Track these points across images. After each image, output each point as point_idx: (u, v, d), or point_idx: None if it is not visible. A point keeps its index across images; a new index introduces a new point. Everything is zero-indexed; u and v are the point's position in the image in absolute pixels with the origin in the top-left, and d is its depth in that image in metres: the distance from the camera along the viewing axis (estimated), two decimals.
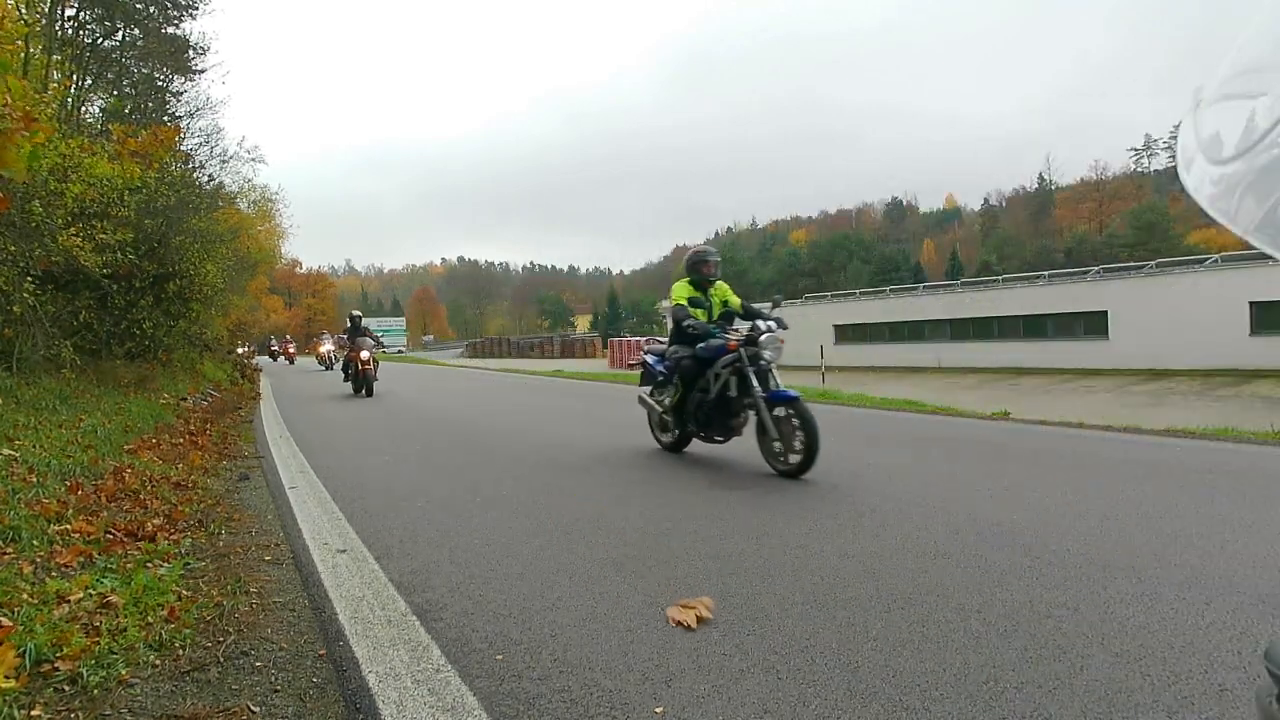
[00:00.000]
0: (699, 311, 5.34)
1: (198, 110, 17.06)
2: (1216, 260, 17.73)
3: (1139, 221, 54.51)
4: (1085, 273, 21.15)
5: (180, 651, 2.18)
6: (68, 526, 3.26)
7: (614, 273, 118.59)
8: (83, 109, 13.17)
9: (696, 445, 6.17)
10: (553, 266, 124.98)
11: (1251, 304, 15.39)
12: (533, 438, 7.00)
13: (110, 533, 3.28)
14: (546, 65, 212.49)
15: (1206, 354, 15.53)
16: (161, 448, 5.90)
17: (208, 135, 17.79)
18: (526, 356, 46.50)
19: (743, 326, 5.18)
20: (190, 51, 15.58)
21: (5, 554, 2.82)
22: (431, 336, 79.81)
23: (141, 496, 4.04)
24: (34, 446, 4.75)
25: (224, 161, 18.63)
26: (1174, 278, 17.86)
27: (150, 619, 2.37)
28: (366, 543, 3.39)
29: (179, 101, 16.75)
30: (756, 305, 5.59)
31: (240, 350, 23.40)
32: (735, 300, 5.58)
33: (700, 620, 2.29)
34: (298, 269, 67.67)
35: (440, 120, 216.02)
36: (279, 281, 57.81)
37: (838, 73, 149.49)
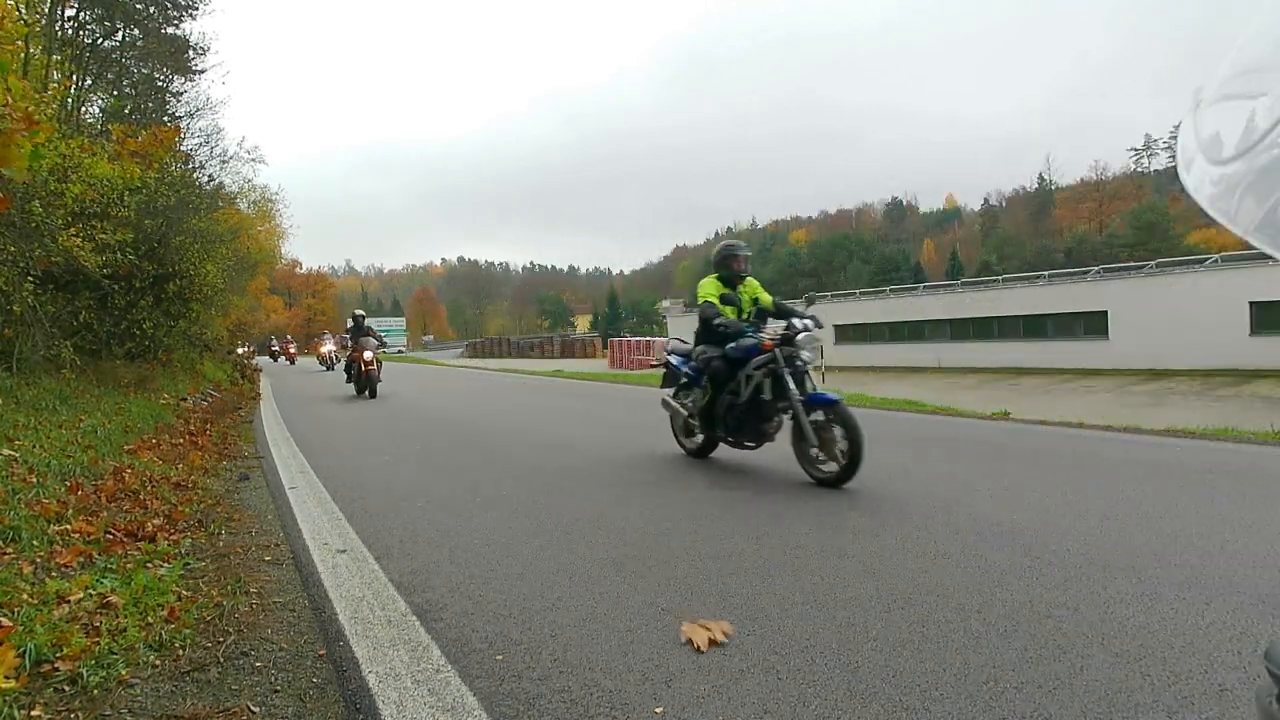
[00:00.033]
0: (729, 309, 5.02)
1: (198, 110, 17.08)
2: (1216, 260, 17.73)
3: (1139, 221, 54.52)
4: (1085, 273, 21.15)
5: (180, 652, 2.18)
6: (68, 527, 3.26)
7: (614, 273, 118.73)
8: (83, 109, 13.18)
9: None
10: (553, 266, 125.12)
11: (1251, 304, 15.40)
12: (533, 438, 7.00)
13: (110, 533, 3.28)
14: (546, 66, 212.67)
15: (1206, 354, 15.53)
16: (161, 448, 5.90)
17: (208, 135, 17.81)
18: (526, 356, 46.50)
19: (776, 325, 4.88)
20: (190, 52, 15.59)
21: (5, 554, 2.82)
22: (431, 336, 79.83)
23: (141, 497, 4.04)
24: (34, 447, 4.75)
25: (224, 162, 18.64)
26: (1174, 278, 17.87)
27: (150, 619, 2.37)
28: (366, 543, 3.39)
29: (179, 102, 16.77)
30: (789, 303, 5.34)
31: (240, 350, 23.39)
32: (767, 297, 5.29)
33: (712, 643, 2.16)
34: (298, 269, 67.68)
35: (440, 120, 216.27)
36: (279, 282, 57.81)
37: (838, 73, 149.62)
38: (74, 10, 12.45)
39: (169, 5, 14.52)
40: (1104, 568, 2.77)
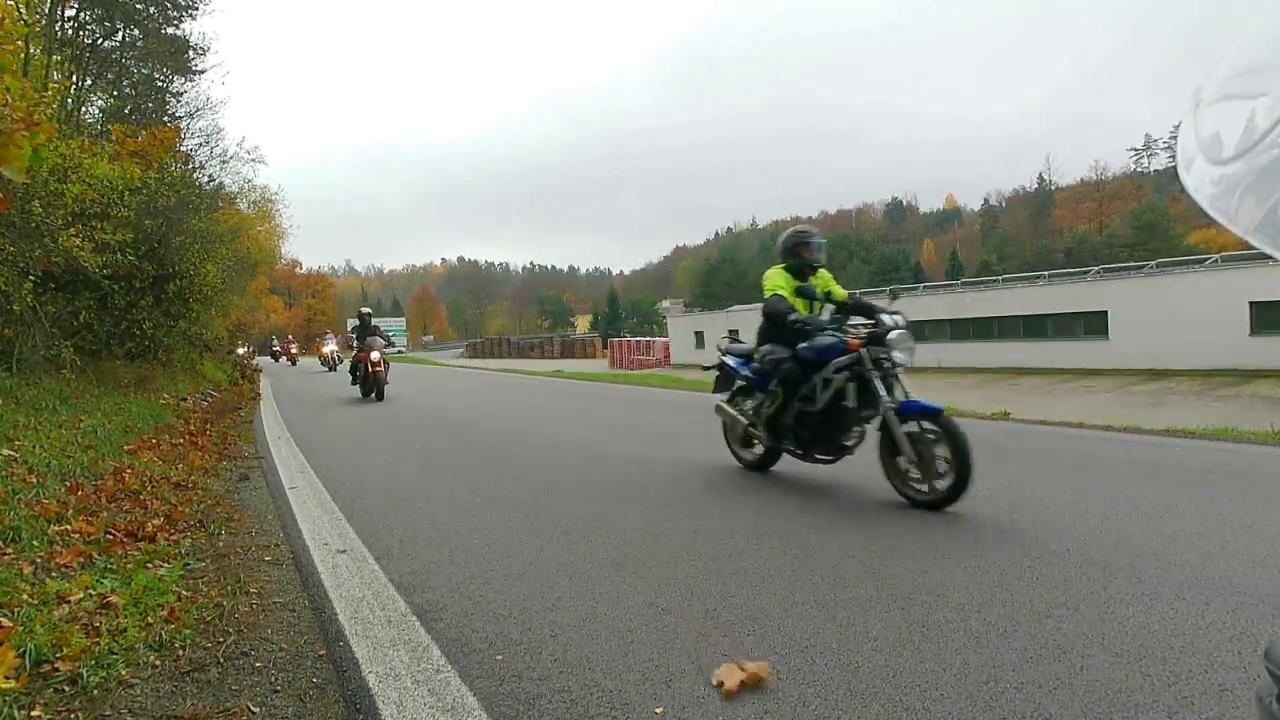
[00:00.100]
0: (800, 303, 4.55)
1: (198, 111, 17.08)
2: (1216, 260, 17.72)
3: (1139, 221, 54.49)
4: (1085, 273, 21.15)
5: (180, 652, 2.18)
6: (68, 527, 3.26)
7: (614, 273, 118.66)
8: (83, 109, 13.19)
9: (697, 444, 6.17)
10: (553, 266, 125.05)
11: (1251, 304, 15.39)
12: (533, 438, 7.00)
13: (110, 533, 3.28)
14: (546, 66, 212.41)
15: (1206, 354, 15.53)
16: (161, 448, 5.90)
17: (208, 136, 17.81)
18: (526, 357, 46.50)
19: (857, 322, 4.30)
20: (190, 52, 15.60)
21: (5, 554, 2.82)
22: (431, 337, 79.84)
23: (141, 497, 4.04)
24: (34, 447, 4.75)
25: (224, 162, 18.64)
26: (1174, 278, 17.86)
27: (150, 619, 2.37)
28: (366, 543, 3.39)
29: (179, 102, 16.77)
30: (868, 298, 4.78)
31: (240, 351, 23.39)
32: (840, 291, 4.69)
33: (743, 686, 1.89)
34: (298, 269, 67.64)
35: (440, 120, 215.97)
36: (279, 282, 57.79)
37: (838, 73, 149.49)
38: (74, 10, 12.47)
39: (169, 5, 14.53)
40: (1104, 568, 2.77)
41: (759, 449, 4.87)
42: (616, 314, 78.26)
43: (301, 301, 70.58)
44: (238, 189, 22.45)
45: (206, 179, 17.59)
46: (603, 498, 4.24)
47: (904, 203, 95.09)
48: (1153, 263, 21.00)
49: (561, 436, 7.14)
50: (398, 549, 3.29)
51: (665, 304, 47.99)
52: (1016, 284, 22.38)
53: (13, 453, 4.38)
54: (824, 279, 4.70)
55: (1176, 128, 0.82)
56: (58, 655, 2.05)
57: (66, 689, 1.93)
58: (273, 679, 2.04)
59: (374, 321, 12.53)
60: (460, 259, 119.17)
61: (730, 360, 5.10)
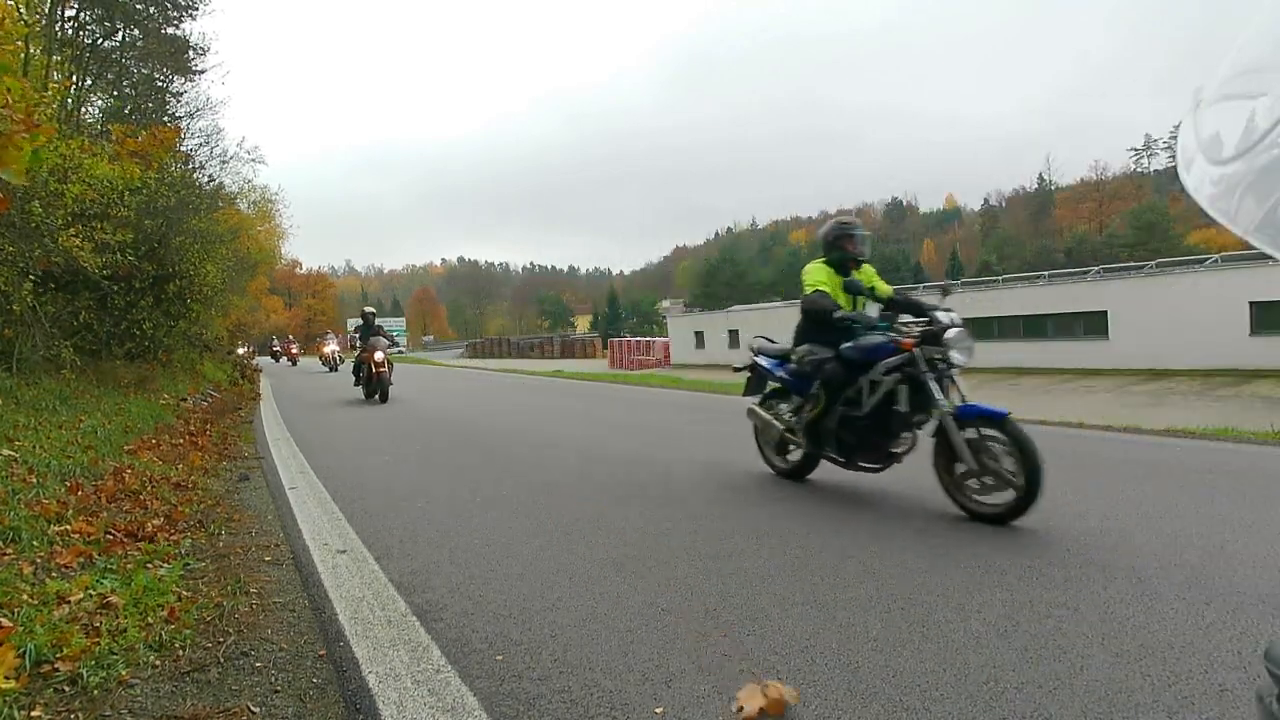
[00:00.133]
0: (841, 301, 4.26)
1: (197, 111, 17.08)
2: (1216, 260, 17.73)
3: (1139, 221, 54.49)
4: (1085, 273, 21.16)
5: (180, 652, 2.18)
6: (68, 527, 3.26)
7: (614, 273, 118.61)
8: (82, 109, 13.19)
9: (697, 444, 6.17)
10: (553, 266, 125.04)
11: (1251, 304, 15.38)
12: (533, 438, 7.00)
13: (110, 533, 3.28)
14: (546, 66, 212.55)
15: (1206, 354, 15.52)
16: (161, 448, 5.90)
17: (208, 136, 17.82)
18: (526, 357, 46.50)
19: (907, 319, 4.02)
20: (190, 52, 15.60)
21: (5, 555, 2.82)
22: (431, 337, 79.82)
23: (141, 497, 4.04)
24: (34, 447, 4.75)
25: (224, 162, 18.64)
26: (1174, 278, 17.86)
27: (150, 620, 2.37)
28: (366, 543, 3.39)
29: (179, 102, 16.78)
30: (917, 295, 4.45)
31: (240, 351, 23.38)
32: (885, 288, 4.39)
33: (763, 713, 1.76)
34: (298, 269, 67.64)
35: (440, 120, 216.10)
36: (279, 282, 57.79)
37: (838, 73, 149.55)
38: (74, 10, 12.47)
39: (169, 5, 14.53)
40: (1104, 568, 2.77)
41: (795, 455, 4.56)
42: (616, 314, 78.24)
43: (301, 302, 70.57)
44: (238, 189, 22.47)
45: (206, 179, 17.62)
46: (603, 498, 4.24)
47: (904, 203, 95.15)
48: (1153, 263, 21.01)
49: (561, 436, 7.14)
50: (398, 549, 3.29)
51: (665, 304, 47.96)
52: (1016, 284, 22.38)
53: (13, 453, 4.38)
54: (868, 274, 4.43)
55: (1176, 128, 0.82)
56: (58, 655, 2.05)
57: (66, 689, 1.93)
58: (273, 679, 2.04)
59: (377, 321, 12.31)
60: (460, 259, 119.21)
61: (763, 361, 4.78)
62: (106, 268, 8.57)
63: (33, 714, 1.79)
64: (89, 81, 13.30)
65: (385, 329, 12.38)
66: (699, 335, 29.55)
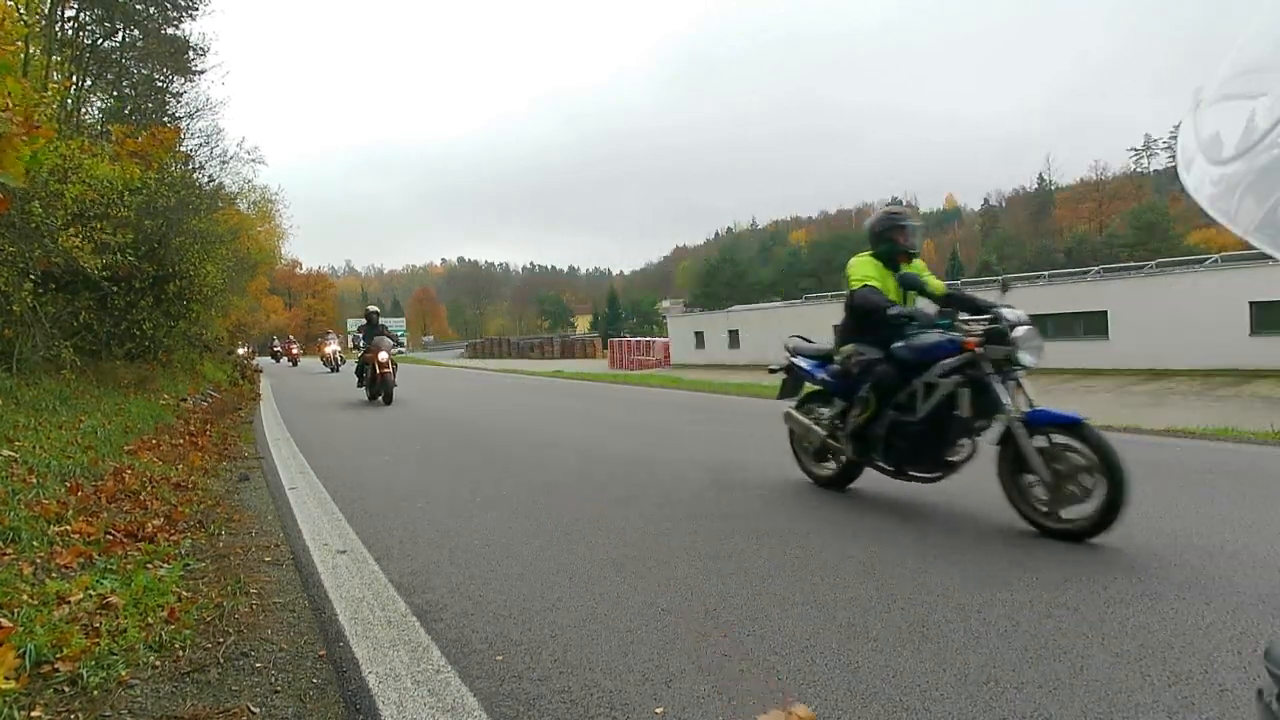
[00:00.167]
0: (892, 295, 3.96)
1: (197, 111, 17.09)
2: (1216, 260, 17.73)
3: (1139, 221, 54.49)
4: (1085, 273, 21.16)
5: (180, 652, 2.18)
6: (67, 527, 3.26)
7: (614, 273, 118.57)
8: (82, 109, 13.19)
9: (697, 444, 6.17)
10: (553, 267, 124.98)
11: (1251, 304, 15.38)
12: (533, 438, 7.00)
13: (110, 534, 3.28)
14: (546, 66, 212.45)
15: (1206, 354, 15.52)
16: (161, 448, 5.90)
17: (207, 136, 17.82)
18: (526, 357, 46.49)
19: (968, 317, 3.65)
20: (190, 52, 15.62)
21: (5, 555, 2.82)
22: (432, 337, 79.83)
23: (141, 497, 4.04)
24: (34, 447, 4.75)
25: (224, 162, 18.65)
26: (1174, 278, 17.86)
27: (150, 620, 2.37)
28: (366, 543, 3.39)
29: (179, 102, 16.79)
30: (972, 292, 4.08)
31: (241, 351, 23.38)
32: (937, 284, 4.05)
33: None
34: (298, 269, 67.65)
35: (440, 120, 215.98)
36: (279, 282, 57.78)
37: (838, 73, 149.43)
38: (74, 11, 12.48)
39: (169, 5, 14.54)
40: (1104, 568, 2.77)
41: (835, 463, 4.25)
42: (616, 314, 78.23)
43: (301, 302, 70.58)
44: (238, 189, 22.47)
45: (206, 179, 17.62)
46: (603, 498, 4.24)
47: (904, 203, 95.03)
48: (1153, 263, 21.00)
49: (561, 436, 7.14)
50: (398, 549, 3.29)
51: (665, 304, 47.96)
52: (1016, 284, 22.38)
53: (13, 453, 4.38)
54: (918, 270, 4.11)
55: (1176, 128, 0.82)
56: (58, 656, 2.05)
57: (66, 689, 1.93)
58: (273, 679, 2.04)
59: (380, 321, 12.01)
60: (460, 259, 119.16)
61: (802, 362, 4.46)
62: (106, 268, 8.58)
63: (33, 714, 1.79)
64: (89, 82, 13.31)
65: (390, 329, 12.13)
66: (699, 335, 29.55)
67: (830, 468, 4.31)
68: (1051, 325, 19.62)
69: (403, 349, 13.86)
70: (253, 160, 23.24)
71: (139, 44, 14.33)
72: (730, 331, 27.76)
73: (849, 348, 4.04)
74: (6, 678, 1.85)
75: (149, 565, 2.91)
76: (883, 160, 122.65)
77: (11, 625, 2.14)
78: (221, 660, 2.15)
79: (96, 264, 8.26)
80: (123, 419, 6.88)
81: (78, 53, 12.47)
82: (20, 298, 7.08)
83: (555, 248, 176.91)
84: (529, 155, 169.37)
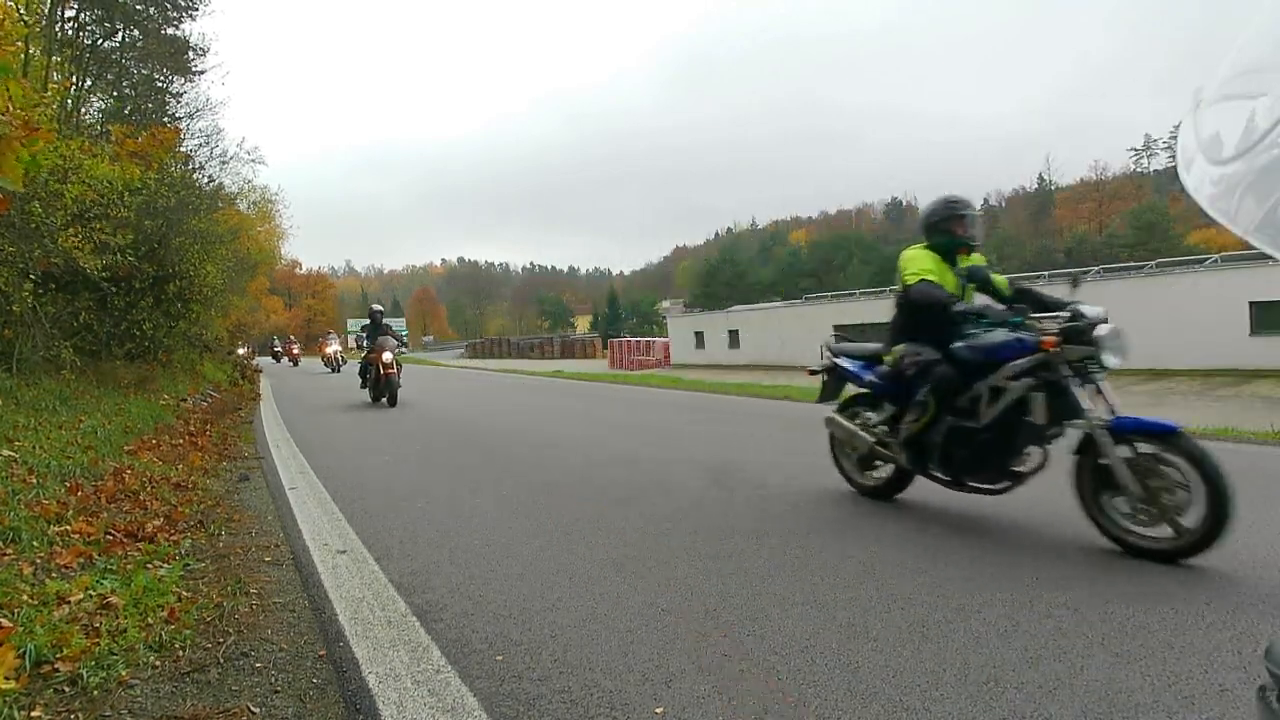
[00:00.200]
0: (950, 288, 3.64)
1: (197, 111, 17.09)
2: (1216, 260, 17.72)
3: (1139, 221, 54.49)
4: (1085, 273, 21.17)
5: (180, 652, 2.18)
6: (67, 527, 3.26)
7: (614, 273, 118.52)
8: (82, 110, 13.19)
9: (697, 444, 6.17)
10: (553, 267, 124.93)
11: (1251, 304, 15.38)
12: (533, 438, 7.00)
13: (110, 534, 3.28)
14: (547, 67, 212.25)
15: (1206, 354, 15.52)
16: (161, 448, 5.90)
17: (207, 136, 17.82)
18: (526, 357, 46.48)
19: (1044, 315, 3.34)
20: (190, 52, 15.62)
21: (5, 555, 2.82)
22: (432, 337, 79.80)
23: (141, 497, 4.04)
24: (34, 447, 4.75)
25: (224, 162, 18.64)
26: (1174, 278, 17.86)
27: (150, 620, 2.37)
28: (366, 543, 3.39)
29: (179, 102, 16.78)
30: (1042, 286, 3.72)
31: (241, 351, 23.37)
32: (999, 279, 3.76)
33: None
34: (298, 270, 67.68)
35: (440, 120, 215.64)
36: (279, 282, 57.79)
37: (838, 74, 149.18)
38: (74, 11, 12.47)
39: (169, 6, 14.54)
40: (1104, 568, 2.77)
41: (884, 471, 3.98)
42: (616, 314, 78.23)
43: (301, 302, 70.61)
44: (238, 189, 22.45)
45: (206, 179, 17.62)
46: (603, 498, 4.24)
47: (904, 203, 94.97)
48: (1153, 263, 20.98)
49: (561, 437, 7.14)
50: (398, 549, 3.29)
51: (665, 304, 47.94)
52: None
53: (13, 453, 4.38)
54: (979, 264, 3.79)
55: (1176, 128, 0.82)
56: (58, 656, 2.05)
57: (66, 689, 1.93)
58: (273, 679, 2.04)
59: (384, 321, 11.46)
60: (460, 259, 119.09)
61: (846, 363, 4.17)
62: (106, 268, 8.58)
63: (33, 714, 1.79)
64: (89, 82, 13.31)
65: (394, 329, 11.62)
66: (699, 335, 29.54)
67: (877, 476, 4.03)
68: None
69: (405, 349, 13.12)
70: (253, 160, 23.20)
71: (139, 44, 14.33)
72: (730, 331, 27.77)
73: (902, 347, 3.73)
74: (6, 678, 1.85)
75: (149, 565, 2.91)
76: (883, 160, 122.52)
77: (11, 625, 2.14)
78: (221, 660, 2.15)
79: (96, 264, 8.27)
80: (123, 419, 6.88)
81: (78, 53, 12.47)
82: (20, 298, 7.09)
83: (555, 248, 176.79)
84: (529, 155, 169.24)
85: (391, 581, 2.84)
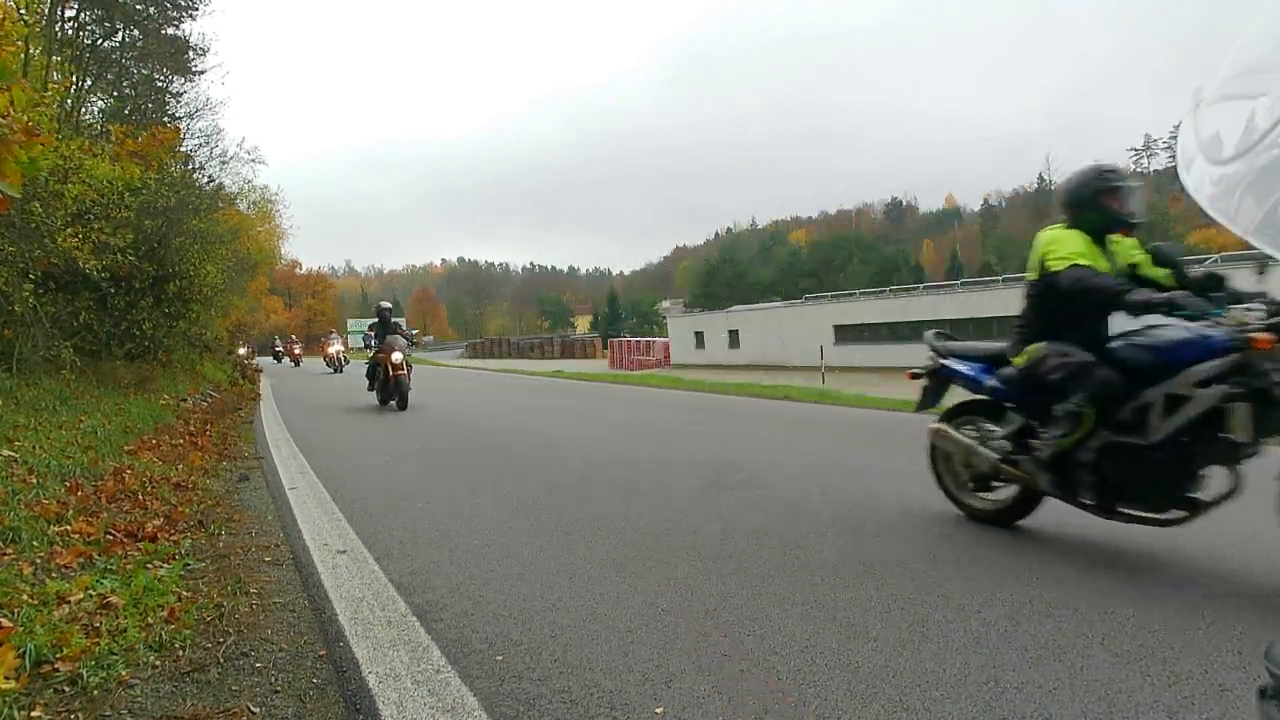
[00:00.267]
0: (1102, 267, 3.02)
1: (197, 111, 17.11)
2: (1216, 260, 17.72)
3: None
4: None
5: (180, 652, 2.18)
6: (67, 527, 3.26)
7: (614, 273, 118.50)
8: (82, 110, 13.20)
9: (697, 444, 6.16)
10: (553, 267, 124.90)
11: None
12: (533, 438, 7.00)
13: (110, 533, 3.28)
14: (547, 66, 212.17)
15: None
16: (161, 448, 5.90)
17: (207, 136, 17.85)
18: (526, 357, 46.49)
19: (1224, 302, 2.77)
20: (190, 52, 15.63)
21: (5, 555, 2.82)
22: (431, 337, 79.76)
23: (141, 497, 4.04)
24: (34, 447, 4.75)
25: (224, 162, 18.68)
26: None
27: (150, 620, 2.37)
28: (366, 543, 3.39)
29: (179, 102, 16.81)
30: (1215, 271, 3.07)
31: (241, 351, 23.37)
32: (1157, 271, 3.09)
33: None
34: (298, 270, 67.71)
35: (440, 120, 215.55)
36: (279, 282, 57.82)
37: (838, 74, 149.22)
38: (74, 11, 12.48)
39: (169, 6, 14.55)
40: (1104, 568, 2.77)
41: (1004, 493, 3.42)
42: (616, 314, 78.22)
43: (301, 302, 70.63)
44: (238, 189, 22.48)
45: (206, 179, 17.64)
46: (603, 498, 4.24)
47: (904, 203, 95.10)
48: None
49: (561, 437, 7.14)
50: (398, 549, 3.29)
51: (665, 304, 47.95)
52: (1017, 284, 22.37)
53: (13, 453, 4.38)
54: (1129, 248, 3.17)
55: (1176, 128, 0.82)
56: (58, 655, 2.05)
57: (66, 689, 1.93)
58: (273, 679, 2.04)
59: (393, 319, 10.89)
60: (460, 259, 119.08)
61: (958, 365, 3.66)
62: (106, 268, 8.58)
63: (33, 714, 1.79)
64: (89, 82, 13.31)
65: (404, 327, 10.79)
66: (699, 335, 29.55)
67: (995, 499, 3.45)
68: None
69: (415, 348, 12.14)
70: (253, 160, 23.22)
71: (139, 44, 14.34)
72: (730, 331, 27.77)
73: (1040, 347, 3.13)
74: (6, 678, 1.85)
75: (149, 565, 2.91)
76: (883, 160, 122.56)
77: (11, 625, 2.14)
78: (221, 660, 2.15)
79: (96, 264, 8.27)
80: (123, 419, 6.88)
81: (78, 53, 12.46)
82: (20, 298, 7.09)
83: (555, 248, 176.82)
84: (529, 155, 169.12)
85: (391, 581, 2.84)
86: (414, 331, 11.83)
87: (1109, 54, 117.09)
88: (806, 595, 2.56)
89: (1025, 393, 3.26)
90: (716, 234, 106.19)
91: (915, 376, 3.98)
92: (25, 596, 2.42)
